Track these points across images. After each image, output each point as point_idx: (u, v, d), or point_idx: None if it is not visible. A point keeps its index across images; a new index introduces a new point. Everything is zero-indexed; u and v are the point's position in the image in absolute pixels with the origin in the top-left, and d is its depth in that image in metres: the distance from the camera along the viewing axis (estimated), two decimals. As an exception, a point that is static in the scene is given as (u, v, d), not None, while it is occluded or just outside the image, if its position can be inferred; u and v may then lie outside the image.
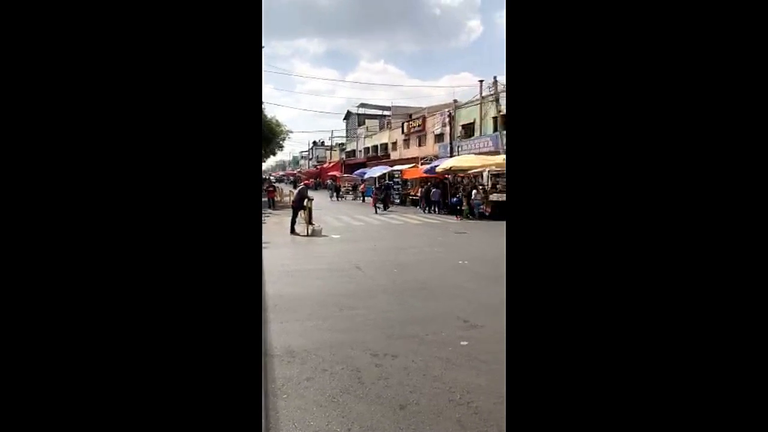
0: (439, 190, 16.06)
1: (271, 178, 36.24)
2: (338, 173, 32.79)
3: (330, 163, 41.54)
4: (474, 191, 14.14)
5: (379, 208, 16.78)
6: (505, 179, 14.54)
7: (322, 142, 52.29)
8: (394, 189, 21.62)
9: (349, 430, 2.18)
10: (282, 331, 3.63)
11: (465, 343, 3.34)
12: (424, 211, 16.31)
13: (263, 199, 18.56)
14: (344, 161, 37.22)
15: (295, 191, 11.58)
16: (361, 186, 25.03)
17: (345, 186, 28.64)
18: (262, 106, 23.37)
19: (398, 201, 20.75)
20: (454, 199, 14.46)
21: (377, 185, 20.99)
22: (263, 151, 29.75)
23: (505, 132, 16.36)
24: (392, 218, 13.97)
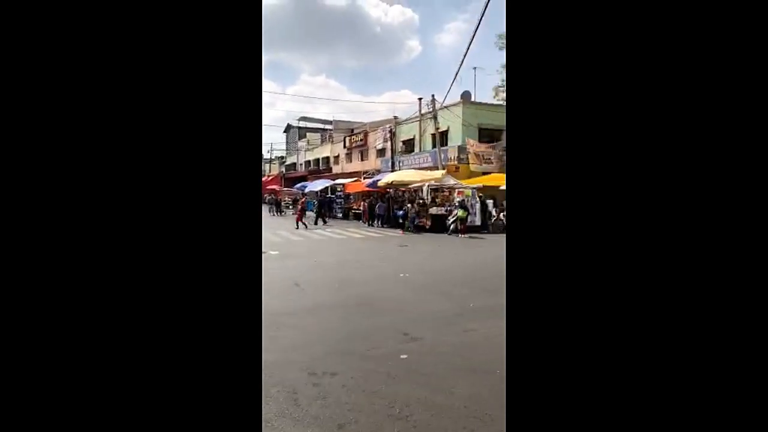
0: (384, 204, 16.22)
1: None
2: (278, 187, 31.97)
3: (269, 176, 40.42)
4: (409, 205, 14.48)
5: (317, 223, 16.56)
6: (442, 193, 15.07)
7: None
8: (337, 203, 21.48)
9: (284, 456, 2.07)
10: (213, 354, 3.40)
11: (405, 356, 3.35)
12: (367, 225, 16.36)
13: None
14: (284, 174, 36.42)
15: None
16: (302, 200, 24.61)
17: (285, 200, 27.95)
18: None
19: (341, 215, 20.64)
20: (400, 212, 14.68)
21: (317, 199, 20.71)
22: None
23: (442, 148, 17.03)
24: (334, 232, 13.83)
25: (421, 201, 14.76)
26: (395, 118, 22.71)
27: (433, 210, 14.16)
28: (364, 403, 2.59)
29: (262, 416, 2.42)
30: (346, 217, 20.16)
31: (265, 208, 27.10)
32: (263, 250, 9.64)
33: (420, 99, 18.56)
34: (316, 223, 16.73)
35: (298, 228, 14.66)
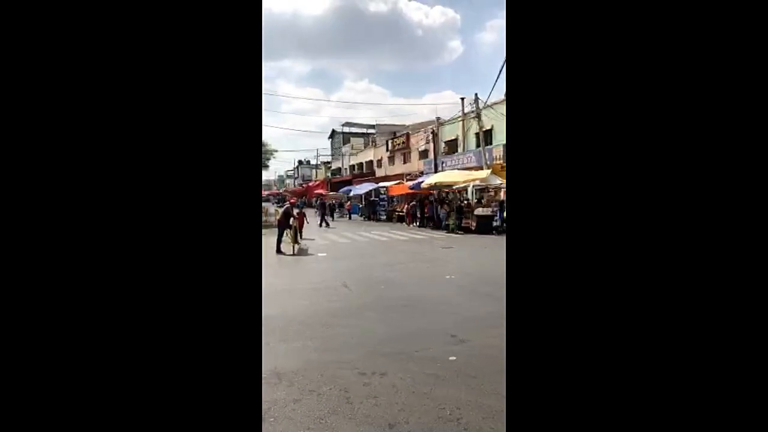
0: (433, 205, 16.20)
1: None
2: (324, 191, 32.78)
3: (315, 181, 41.51)
4: (439, 206, 14.40)
5: (321, 225, 17.00)
6: (488, 194, 14.75)
7: (308, 161, 52.39)
8: (380, 206, 21.71)
9: (338, 452, 2.14)
10: (268, 352, 3.56)
11: (453, 358, 3.33)
12: (412, 226, 16.37)
13: None
14: (330, 179, 37.27)
15: (281, 210, 11.52)
16: (347, 204, 25.05)
17: (332, 203, 28.63)
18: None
19: (384, 217, 20.82)
20: (443, 214, 14.62)
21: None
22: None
23: (487, 147, 16.68)
24: (379, 235, 13.97)
25: (465, 202, 14.55)
26: (438, 119, 22.56)
27: (479, 210, 13.90)
28: (414, 403, 2.61)
29: (316, 414, 2.52)
30: (389, 219, 20.30)
31: (313, 213, 27.66)
32: (311, 252, 9.94)
33: (462, 99, 18.32)
34: (320, 225, 17.10)
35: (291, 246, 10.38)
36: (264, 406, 2.61)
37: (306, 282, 6.70)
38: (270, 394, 2.78)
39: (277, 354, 3.52)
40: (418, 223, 16.53)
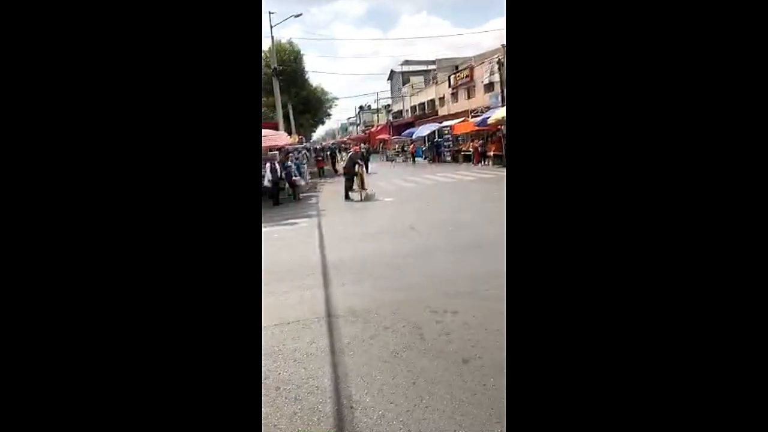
0: (502, 142, 15.41)
1: (316, 146, 36.11)
2: (387, 136, 32.50)
3: (377, 126, 41.14)
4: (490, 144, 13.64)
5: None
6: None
7: (369, 106, 51.73)
8: (445, 146, 21.10)
9: (414, 383, 2.26)
10: (344, 292, 3.79)
11: (527, 297, 3.27)
12: (486, 165, 15.81)
13: (313, 169, 18.96)
14: (391, 123, 36.67)
15: (346, 158, 11.71)
16: (411, 147, 24.70)
17: (395, 148, 28.41)
18: (306, 76, 23.43)
19: (449, 158, 20.29)
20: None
21: (428, 141, 20.57)
22: (311, 121, 30.13)
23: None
24: (445, 177, 13.71)
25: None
26: (503, 46, 20.66)
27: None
28: (487, 340, 2.64)
29: (391, 348, 2.65)
30: (455, 160, 19.75)
31: (377, 160, 27.70)
32: (378, 197, 10.10)
33: (532, 19, 16.41)
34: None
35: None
36: (344, 341, 2.81)
37: (375, 226, 6.88)
38: (348, 331, 2.97)
39: (352, 294, 3.72)
40: (486, 162, 15.90)
